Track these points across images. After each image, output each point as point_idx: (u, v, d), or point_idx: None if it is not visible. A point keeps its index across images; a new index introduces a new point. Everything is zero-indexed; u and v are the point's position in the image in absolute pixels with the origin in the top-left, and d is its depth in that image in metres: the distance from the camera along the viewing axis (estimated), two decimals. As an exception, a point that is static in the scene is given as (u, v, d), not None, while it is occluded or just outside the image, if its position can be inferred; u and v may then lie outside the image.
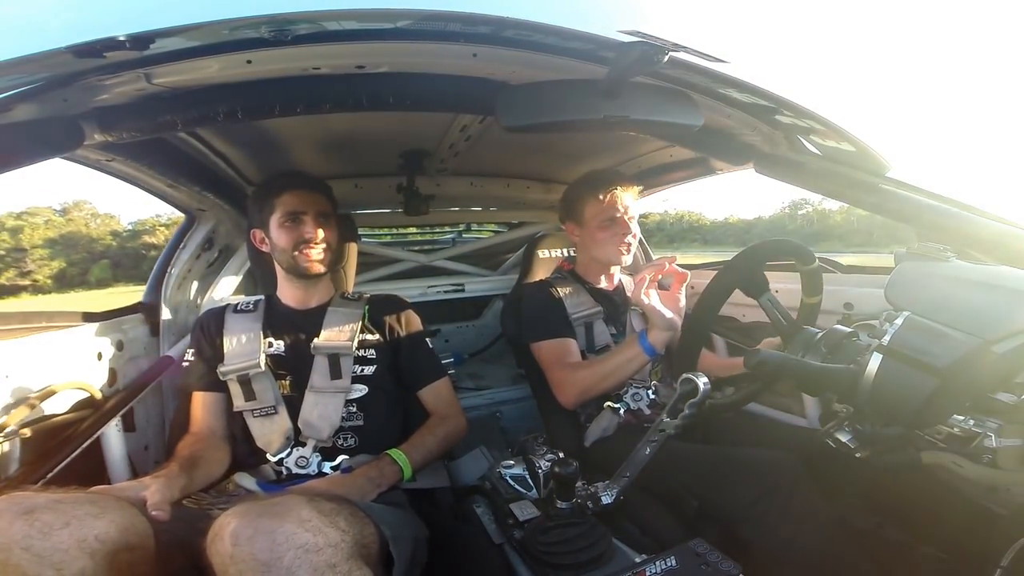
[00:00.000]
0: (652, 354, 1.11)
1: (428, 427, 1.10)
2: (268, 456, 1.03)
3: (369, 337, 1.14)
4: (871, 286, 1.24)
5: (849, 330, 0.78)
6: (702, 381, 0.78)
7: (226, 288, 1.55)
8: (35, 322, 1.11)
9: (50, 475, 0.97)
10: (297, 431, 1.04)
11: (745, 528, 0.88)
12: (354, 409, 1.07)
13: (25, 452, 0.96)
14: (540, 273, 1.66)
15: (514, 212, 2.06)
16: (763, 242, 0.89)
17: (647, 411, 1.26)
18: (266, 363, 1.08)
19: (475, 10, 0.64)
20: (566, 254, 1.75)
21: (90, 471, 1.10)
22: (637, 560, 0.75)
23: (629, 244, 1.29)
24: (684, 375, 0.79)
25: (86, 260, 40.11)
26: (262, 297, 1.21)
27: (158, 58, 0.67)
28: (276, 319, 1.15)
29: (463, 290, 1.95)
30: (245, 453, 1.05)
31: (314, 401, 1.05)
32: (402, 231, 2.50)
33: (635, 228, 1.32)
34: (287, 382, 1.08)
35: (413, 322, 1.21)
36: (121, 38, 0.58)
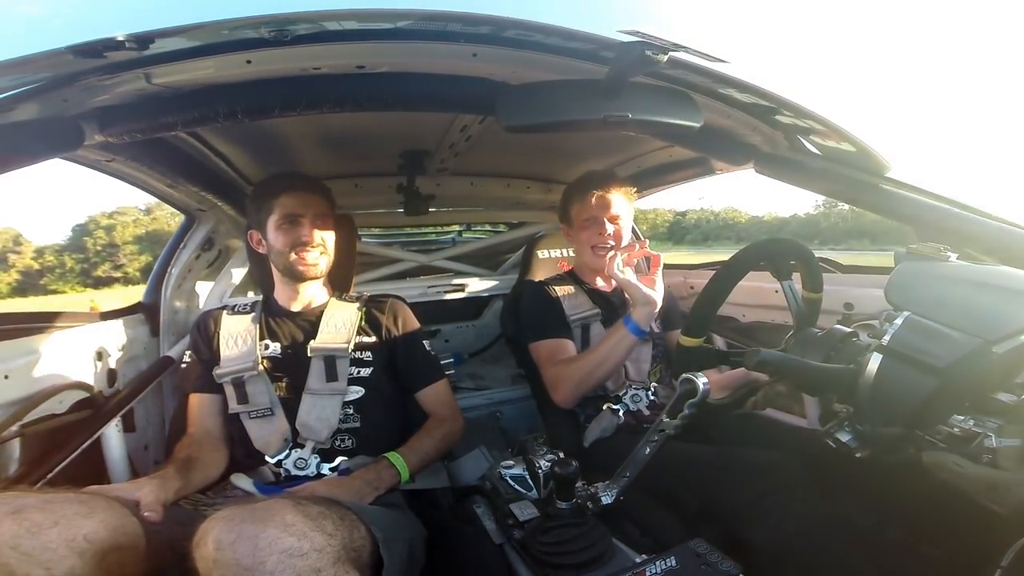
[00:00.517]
0: (638, 333, 1.13)
1: (426, 429, 1.10)
2: (267, 458, 1.03)
3: (366, 339, 1.14)
4: (871, 286, 1.24)
5: (849, 330, 0.78)
6: (701, 381, 0.78)
7: (226, 288, 1.55)
8: (35, 322, 1.11)
9: (50, 475, 0.97)
10: (295, 433, 1.04)
11: (745, 528, 0.88)
12: (351, 411, 1.07)
13: (25, 452, 0.96)
14: (540, 273, 1.66)
15: (514, 212, 2.06)
16: (792, 240, 0.92)
17: (646, 412, 1.26)
18: (262, 365, 1.08)
19: (475, 10, 0.64)
20: (566, 254, 1.76)
21: (90, 471, 1.10)
22: (637, 560, 0.75)
23: (604, 248, 1.28)
24: (683, 375, 0.79)
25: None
26: (259, 298, 1.20)
27: (158, 58, 0.67)
28: (273, 321, 1.15)
29: (463, 290, 1.95)
30: (243, 455, 1.05)
31: (311, 403, 1.05)
32: (402, 231, 2.50)
33: (623, 229, 1.30)
34: (283, 384, 1.08)
35: (410, 323, 1.21)
36: (121, 38, 0.57)
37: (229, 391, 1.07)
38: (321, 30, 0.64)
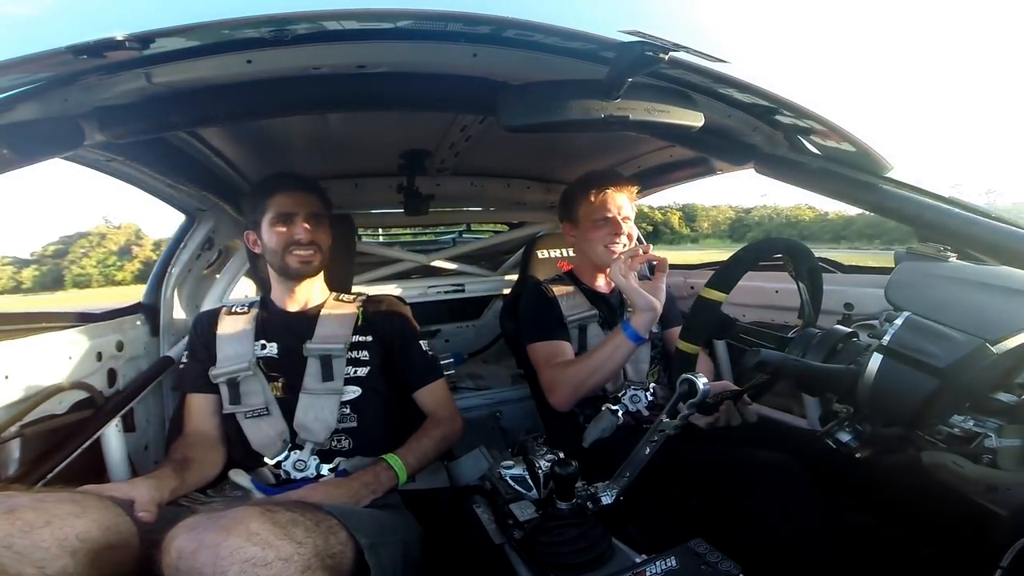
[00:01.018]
0: (636, 339, 1.12)
1: (424, 430, 1.10)
2: (266, 459, 1.03)
3: (363, 338, 1.14)
4: (871, 286, 1.24)
5: (849, 330, 0.78)
6: (701, 381, 0.78)
7: (225, 288, 1.55)
8: (35, 322, 1.11)
9: (50, 475, 0.97)
10: (293, 434, 1.04)
11: (745, 528, 0.88)
12: (348, 411, 1.07)
13: (25, 452, 0.96)
14: (540, 273, 1.66)
15: (514, 212, 2.06)
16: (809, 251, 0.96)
17: (645, 412, 1.26)
18: (257, 365, 1.08)
19: (475, 10, 0.64)
20: (566, 254, 1.76)
21: (90, 471, 1.10)
22: (637, 560, 0.75)
23: (623, 245, 1.29)
24: (683, 376, 0.79)
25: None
26: (257, 299, 1.21)
27: (158, 58, 0.67)
28: (269, 321, 1.15)
29: (463, 290, 1.95)
30: (241, 456, 1.05)
31: (308, 403, 1.05)
32: (402, 231, 2.51)
33: (631, 229, 1.31)
34: (280, 384, 1.08)
35: (408, 323, 1.20)
36: (121, 38, 0.57)
37: (223, 391, 1.07)
38: (321, 30, 0.64)
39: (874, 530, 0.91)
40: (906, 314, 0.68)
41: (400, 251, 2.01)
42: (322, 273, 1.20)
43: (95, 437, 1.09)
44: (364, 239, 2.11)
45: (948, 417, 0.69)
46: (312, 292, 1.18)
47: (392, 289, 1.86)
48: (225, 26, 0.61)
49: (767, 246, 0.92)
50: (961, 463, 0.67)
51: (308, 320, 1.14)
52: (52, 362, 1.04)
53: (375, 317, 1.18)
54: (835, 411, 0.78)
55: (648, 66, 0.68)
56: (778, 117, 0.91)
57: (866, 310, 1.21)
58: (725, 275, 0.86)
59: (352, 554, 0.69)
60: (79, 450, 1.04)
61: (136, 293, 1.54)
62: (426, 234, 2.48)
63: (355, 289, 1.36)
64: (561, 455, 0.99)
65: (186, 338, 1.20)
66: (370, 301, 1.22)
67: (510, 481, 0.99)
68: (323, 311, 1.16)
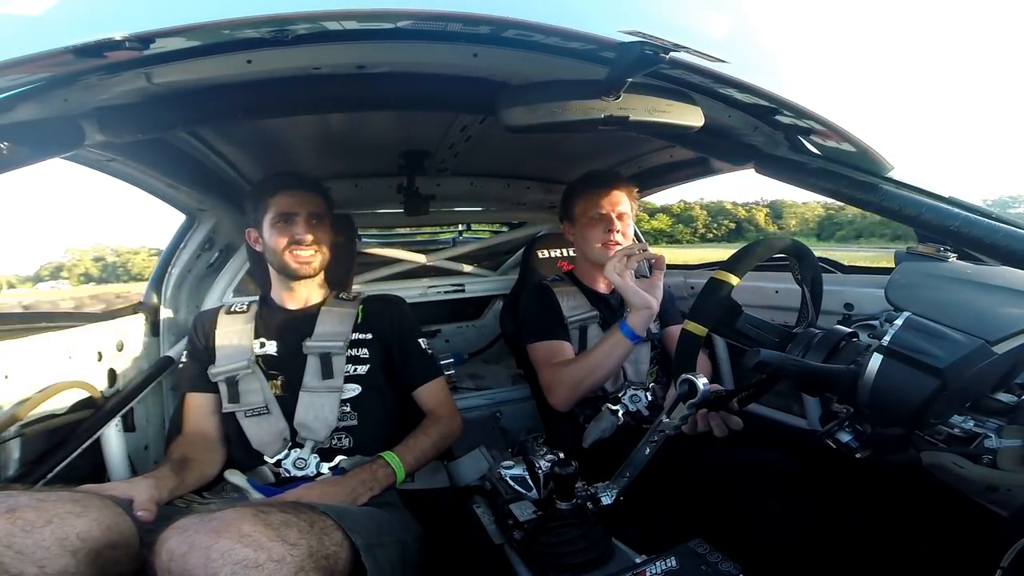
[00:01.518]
0: (633, 338, 1.12)
1: (422, 428, 1.10)
2: (266, 458, 1.03)
3: (362, 337, 1.14)
4: (871, 286, 1.24)
5: (849, 330, 0.78)
6: (701, 381, 0.78)
7: (226, 288, 1.55)
8: (35, 322, 1.11)
9: (50, 475, 0.97)
10: (294, 432, 1.04)
11: (745, 528, 0.88)
12: (348, 409, 1.07)
13: (25, 452, 0.96)
14: (540, 273, 1.66)
15: (514, 212, 2.06)
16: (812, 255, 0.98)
17: (645, 412, 1.26)
18: (256, 364, 1.08)
19: (475, 10, 0.64)
20: (566, 254, 1.76)
21: (90, 471, 1.10)
22: (637, 560, 0.75)
23: (617, 243, 1.29)
24: (683, 376, 0.79)
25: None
26: (256, 298, 1.21)
27: (158, 58, 0.67)
28: (269, 320, 1.15)
29: (463, 290, 1.95)
30: (241, 455, 1.05)
31: (308, 401, 1.05)
32: (402, 231, 2.50)
33: (627, 228, 1.31)
34: (279, 382, 1.08)
35: (407, 322, 1.21)
36: (121, 38, 0.57)
37: (222, 390, 1.07)
38: (321, 30, 0.64)
39: (874, 530, 0.91)
40: (906, 314, 0.68)
41: (400, 251, 2.02)
42: (322, 272, 1.20)
43: (95, 437, 1.09)
44: (364, 239, 2.11)
45: (948, 417, 0.69)
46: (312, 291, 1.18)
47: (392, 289, 1.86)
48: (225, 26, 0.61)
49: (780, 244, 0.94)
50: (961, 463, 0.67)
51: (308, 318, 1.14)
52: (52, 362, 1.04)
53: (375, 315, 1.18)
54: (835, 411, 0.78)
55: (648, 66, 0.68)
56: (778, 117, 0.91)
57: (866, 310, 1.21)
58: (741, 259, 0.87)
59: (348, 555, 0.69)
60: (79, 450, 1.04)
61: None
62: (422, 233, 2.48)
63: (356, 289, 1.36)
64: (561, 455, 0.99)
65: (186, 338, 1.20)
66: (370, 300, 1.22)
67: (510, 481, 0.99)
68: (323, 309, 1.16)
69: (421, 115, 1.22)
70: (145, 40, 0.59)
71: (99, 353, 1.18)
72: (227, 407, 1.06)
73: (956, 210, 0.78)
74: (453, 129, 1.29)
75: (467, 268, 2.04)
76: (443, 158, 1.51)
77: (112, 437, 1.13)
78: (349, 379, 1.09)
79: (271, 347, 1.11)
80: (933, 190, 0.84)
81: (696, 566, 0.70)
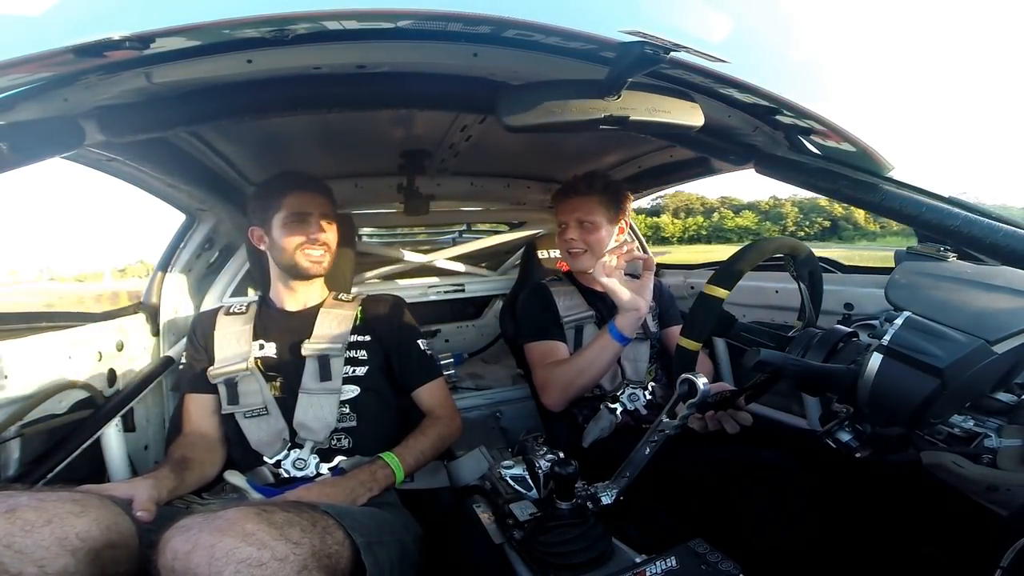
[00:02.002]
0: (621, 340, 1.13)
1: (422, 429, 1.10)
2: (265, 459, 1.03)
3: (361, 338, 1.14)
4: (871, 286, 1.24)
5: (849, 330, 0.78)
6: (701, 381, 0.78)
7: (226, 288, 1.55)
8: (35, 322, 1.11)
9: (50, 475, 0.97)
10: (293, 433, 1.04)
11: (745, 528, 0.88)
12: (347, 410, 1.07)
13: (25, 452, 0.96)
14: (539, 273, 1.66)
15: (514, 212, 2.06)
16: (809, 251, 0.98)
17: (644, 411, 1.27)
18: (255, 365, 1.08)
19: (475, 10, 0.64)
20: (566, 254, 1.75)
21: (90, 471, 1.10)
22: (637, 560, 0.75)
23: (572, 252, 1.32)
24: (683, 376, 0.79)
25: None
26: (255, 299, 1.21)
27: (159, 57, 0.67)
28: (268, 321, 1.15)
29: (463, 290, 1.95)
30: (241, 455, 1.05)
31: (307, 402, 1.05)
32: (402, 231, 2.51)
33: (590, 235, 1.30)
34: (278, 383, 1.08)
35: (406, 323, 1.21)
36: (121, 38, 0.57)
37: (221, 391, 1.07)
38: (321, 30, 0.64)
39: (874, 530, 0.91)
40: (906, 314, 0.68)
41: (400, 251, 2.02)
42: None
43: (95, 437, 1.09)
44: (364, 239, 2.11)
45: (948, 417, 0.69)
46: (311, 292, 1.18)
47: (392, 289, 1.86)
48: (225, 26, 0.61)
49: (770, 245, 0.92)
50: (961, 463, 0.67)
51: (307, 320, 1.14)
52: (52, 362, 1.04)
53: (374, 317, 1.18)
54: (835, 411, 0.78)
55: (648, 66, 0.68)
56: (778, 117, 0.91)
57: (866, 310, 1.21)
58: (728, 272, 0.86)
59: (349, 553, 0.69)
60: (79, 450, 1.04)
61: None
62: (422, 233, 2.48)
63: (354, 289, 1.36)
64: (561, 455, 0.99)
65: (186, 338, 1.21)
66: (369, 301, 1.22)
67: (510, 481, 0.99)
68: (322, 311, 1.16)
69: (421, 115, 1.22)
70: (145, 40, 0.59)
71: (99, 353, 1.18)
72: (226, 408, 1.06)
73: (956, 210, 0.78)
74: (453, 129, 1.29)
75: (467, 268, 2.04)
76: (443, 158, 1.51)
77: (112, 437, 1.13)
78: (347, 380, 1.09)
79: (270, 348, 1.11)
80: (932, 189, 0.84)
81: (696, 566, 0.70)
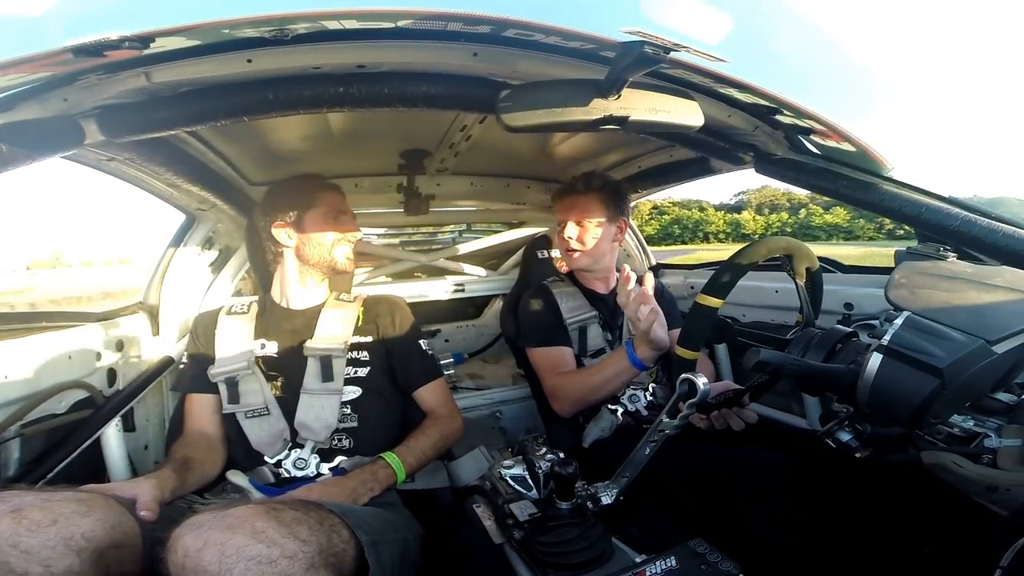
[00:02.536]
0: (641, 368, 1.11)
1: (423, 429, 1.10)
2: (266, 458, 1.03)
3: (363, 339, 1.14)
4: (871, 286, 1.24)
5: (849, 330, 0.78)
6: (701, 381, 0.78)
7: (226, 288, 1.55)
8: (35, 322, 1.11)
9: (50, 475, 0.97)
10: (294, 433, 1.04)
11: (745, 528, 0.88)
12: (348, 411, 1.07)
13: (25, 452, 0.96)
14: (540, 273, 1.66)
15: (514, 212, 2.06)
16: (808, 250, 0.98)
17: (645, 412, 1.27)
18: (256, 364, 1.08)
19: (475, 10, 0.64)
20: (566, 254, 1.75)
21: (90, 471, 1.10)
22: (637, 560, 0.75)
23: (569, 251, 1.33)
24: (683, 376, 0.79)
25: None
26: (256, 298, 1.21)
27: (158, 58, 0.67)
28: (270, 320, 1.15)
29: (463, 290, 1.95)
30: (242, 455, 1.05)
31: (309, 403, 1.05)
32: (402, 231, 2.51)
33: (585, 234, 1.31)
34: (279, 383, 1.08)
35: (407, 323, 1.21)
36: (121, 38, 0.57)
37: (222, 390, 1.07)
38: (321, 30, 0.64)
39: (874, 530, 0.91)
40: (906, 314, 0.68)
41: (400, 251, 2.01)
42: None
43: (95, 437, 1.09)
44: (364, 239, 2.11)
45: (948, 417, 0.69)
46: (315, 292, 1.19)
47: (392, 289, 1.86)
48: (225, 26, 0.61)
49: (763, 248, 0.92)
50: (961, 463, 0.67)
51: (309, 320, 1.14)
52: (52, 362, 1.04)
53: (375, 317, 1.18)
54: (835, 411, 0.78)
55: (648, 66, 0.68)
56: (778, 117, 0.91)
57: (866, 310, 1.21)
58: (720, 281, 0.86)
59: (354, 552, 0.69)
60: (79, 450, 1.04)
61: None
62: (422, 233, 2.48)
63: (355, 289, 1.36)
64: (561, 455, 0.99)
65: (186, 338, 1.20)
66: (370, 301, 1.22)
67: (510, 481, 0.99)
68: (324, 311, 1.16)
69: (421, 115, 1.22)
70: (145, 40, 0.59)
71: (99, 353, 1.18)
72: (227, 408, 1.06)
73: (956, 210, 0.78)
74: (453, 129, 1.29)
75: (467, 268, 2.04)
76: (443, 158, 1.51)
77: (112, 437, 1.13)
78: (349, 381, 1.09)
79: (271, 348, 1.11)
80: (932, 189, 0.84)
81: (696, 566, 0.70)
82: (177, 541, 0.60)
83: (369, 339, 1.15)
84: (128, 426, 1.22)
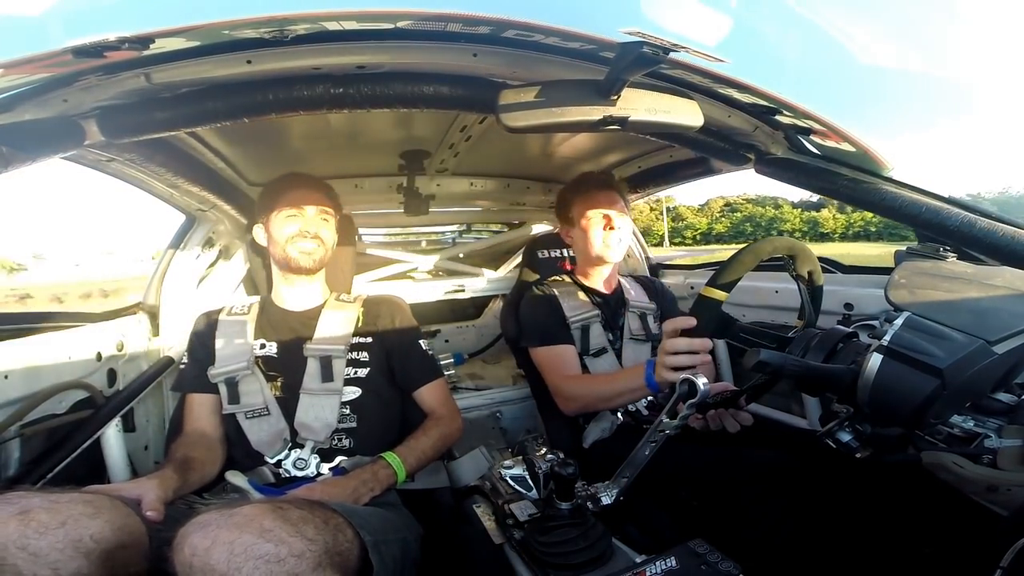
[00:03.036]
0: (656, 391, 1.09)
1: (423, 429, 1.10)
2: (266, 458, 1.03)
3: (363, 340, 1.14)
4: (871, 286, 1.24)
5: (849, 330, 0.78)
6: (701, 382, 0.78)
7: (226, 289, 1.55)
8: (35, 322, 1.11)
9: (50, 475, 0.97)
10: (294, 433, 1.04)
11: (745, 528, 0.88)
12: (347, 411, 1.07)
13: (25, 452, 0.96)
14: (540, 273, 1.66)
15: (514, 212, 2.06)
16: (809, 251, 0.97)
17: (645, 412, 1.27)
18: (256, 365, 1.08)
19: (475, 10, 0.64)
20: (566, 254, 1.76)
21: (90, 471, 1.10)
22: (637, 560, 0.75)
23: (618, 242, 1.32)
24: (683, 376, 0.79)
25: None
26: (256, 299, 1.21)
27: (158, 58, 0.67)
28: (269, 321, 1.15)
29: (463, 290, 1.95)
30: (242, 455, 1.05)
31: (309, 403, 1.05)
32: (402, 231, 2.51)
33: (625, 226, 1.34)
34: (279, 384, 1.08)
35: (407, 324, 1.21)
36: (121, 38, 0.57)
37: (222, 391, 1.07)
38: (321, 30, 0.64)
39: (874, 530, 0.91)
40: (906, 314, 0.68)
41: (400, 251, 2.02)
42: (323, 273, 1.20)
43: (95, 437, 1.09)
44: (364, 239, 2.12)
45: (948, 417, 0.69)
46: (313, 292, 1.19)
47: (392, 289, 1.86)
48: (225, 26, 0.61)
49: (768, 246, 0.92)
50: (961, 463, 0.67)
51: (308, 320, 1.14)
52: (52, 362, 1.04)
53: (375, 318, 1.18)
54: (835, 411, 0.78)
55: (648, 66, 0.68)
56: (778, 117, 0.91)
57: (866, 310, 1.21)
58: (726, 274, 0.86)
59: (358, 551, 0.70)
60: (79, 450, 1.04)
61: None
62: (422, 233, 2.48)
63: (355, 289, 1.36)
64: (561, 455, 0.99)
65: (186, 338, 1.21)
66: (370, 302, 1.22)
67: (510, 481, 0.99)
68: (324, 311, 1.16)
69: (421, 115, 1.22)
70: (145, 40, 0.59)
71: (99, 353, 1.18)
72: (227, 408, 1.06)
73: (956, 210, 0.78)
74: (453, 129, 1.29)
75: (467, 268, 2.04)
76: (443, 158, 1.51)
77: (112, 437, 1.13)
78: (349, 382, 1.09)
79: (271, 348, 1.11)
80: (932, 189, 0.84)
81: (696, 566, 0.70)
82: (184, 540, 0.60)
83: (369, 340, 1.15)
84: (128, 426, 1.22)
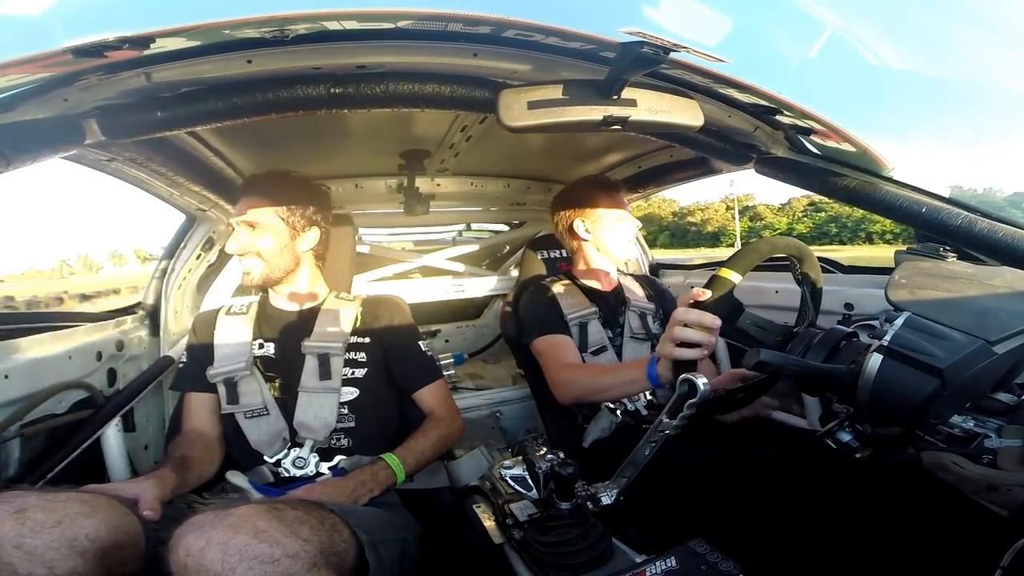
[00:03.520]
0: (657, 386, 1.09)
1: (423, 430, 1.10)
2: (265, 458, 1.03)
3: (361, 339, 1.14)
4: (871, 286, 1.24)
5: (849, 330, 0.78)
6: (701, 381, 0.78)
7: (226, 289, 1.55)
8: (35, 322, 1.11)
9: (50, 475, 0.97)
10: (293, 432, 1.04)
11: (745, 528, 0.88)
12: (345, 411, 1.07)
13: (25, 452, 0.96)
14: (540, 273, 1.66)
15: (514, 212, 2.06)
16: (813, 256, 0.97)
17: (644, 412, 1.27)
18: (254, 364, 1.08)
19: (475, 10, 0.64)
20: (566, 255, 1.76)
21: (90, 471, 1.10)
22: (637, 560, 0.75)
23: (634, 240, 1.42)
24: (682, 376, 0.79)
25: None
26: (255, 299, 1.21)
27: (158, 58, 0.67)
28: (268, 320, 1.15)
29: (463, 290, 1.95)
30: (241, 455, 1.05)
31: (307, 402, 1.05)
32: (402, 231, 2.51)
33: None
34: (277, 383, 1.08)
35: (406, 324, 1.20)
36: (121, 38, 0.57)
37: (221, 391, 1.07)
38: (321, 30, 0.64)
39: (874, 530, 0.91)
40: (906, 314, 0.67)
41: (400, 251, 2.01)
42: (318, 272, 1.20)
43: (95, 437, 1.09)
44: (364, 239, 2.12)
45: (948, 417, 0.68)
46: (311, 292, 1.18)
47: (392, 289, 1.86)
48: (225, 26, 0.61)
49: (782, 243, 0.94)
50: (961, 463, 0.67)
51: (307, 319, 1.14)
52: (52, 362, 1.04)
53: (374, 319, 1.18)
54: (835, 411, 0.78)
55: (648, 66, 0.68)
56: (778, 117, 0.91)
57: (866, 310, 1.21)
58: (744, 258, 0.87)
59: (354, 551, 0.69)
60: (79, 450, 1.04)
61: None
62: (422, 233, 2.48)
63: (355, 289, 1.35)
64: (561, 455, 0.99)
65: (186, 338, 1.21)
66: (369, 301, 1.22)
67: (510, 481, 0.99)
68: (322, 309, 1.16)
69: (421, 115, 1.22)
70: (145, 40, 0.59)
71: (99, 353, 1.18)
72: (226, 408, 1.06)
73: (956, 210, 0.78)
74: (453, 129, 1.29)
75: (467, 268, 2.04)
76: (443, 158, 1.51)
77: (112, 437, 1.13)
78: (346, 382, 1.09)
79: (269, 348, 1.11)
80: (932, 189, 0.84)
81: (696, 566, 0.70)
82: (179, 541, 0.60)
83: (367, 340, 1.14)
84: (128, 426, 1.23)
